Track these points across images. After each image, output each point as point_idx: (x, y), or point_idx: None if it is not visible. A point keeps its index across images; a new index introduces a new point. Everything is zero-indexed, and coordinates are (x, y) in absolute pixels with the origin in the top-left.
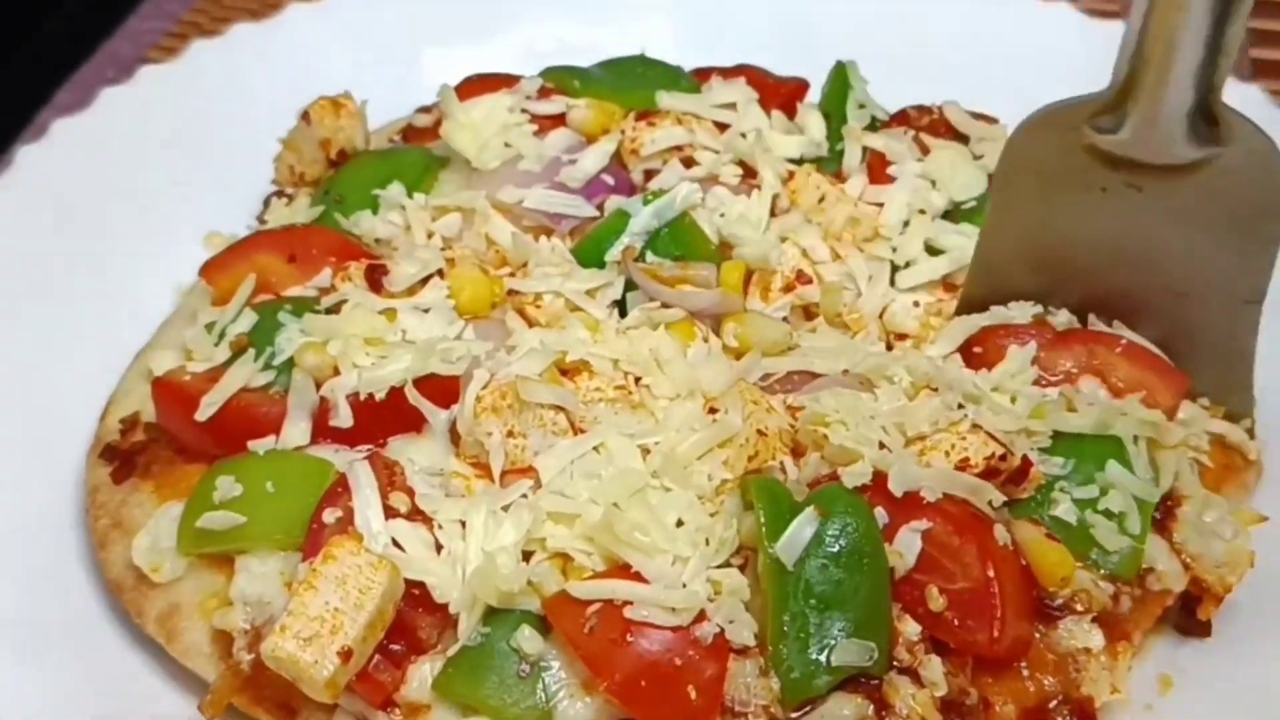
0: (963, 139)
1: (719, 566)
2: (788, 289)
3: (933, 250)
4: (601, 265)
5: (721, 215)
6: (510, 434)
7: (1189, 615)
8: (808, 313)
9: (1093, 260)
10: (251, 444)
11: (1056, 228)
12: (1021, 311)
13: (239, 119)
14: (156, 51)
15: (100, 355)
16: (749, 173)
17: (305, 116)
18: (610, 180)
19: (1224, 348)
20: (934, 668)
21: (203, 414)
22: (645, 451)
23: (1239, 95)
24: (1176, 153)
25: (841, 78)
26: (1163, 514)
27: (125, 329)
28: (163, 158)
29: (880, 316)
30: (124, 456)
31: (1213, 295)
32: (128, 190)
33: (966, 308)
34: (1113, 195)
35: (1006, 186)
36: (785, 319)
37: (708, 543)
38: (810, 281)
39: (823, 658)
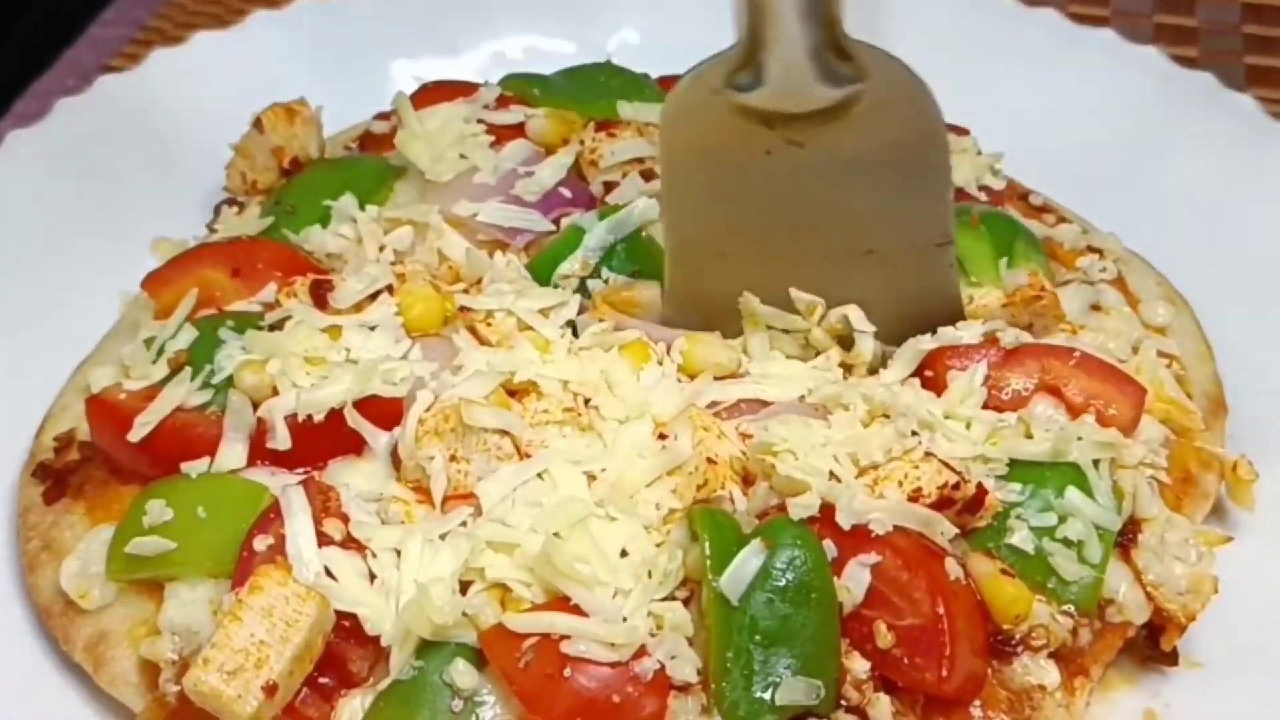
0: None
1: (662, 600)
2: None
3: None
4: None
5: None
6: (453, 458)
7: (1153, 645)
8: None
9: (776, 234)
10: (185, 466)
11: (733, 205)
12: (970, 332)
13: (198, 128)
14: (119, 59)
15: (47, 368)
16: None
17: (258, 123)
18: (568, 193)
19: (924, 296)
20: (882, 707)
21: (136, 434)
22: (591, 478)
23: (1230, 106)
24: (819, 95)
25: None
26: (1124, 540)
27: (72, 341)
28: (120, 168)
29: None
30: (56, 476)
31: (900, 245)
32: (82, 200)
33: (673, 307)
34: (778, 157)
35: (673, 172)
36: None
37: (650, 575)
38: None
39: (767, 696)
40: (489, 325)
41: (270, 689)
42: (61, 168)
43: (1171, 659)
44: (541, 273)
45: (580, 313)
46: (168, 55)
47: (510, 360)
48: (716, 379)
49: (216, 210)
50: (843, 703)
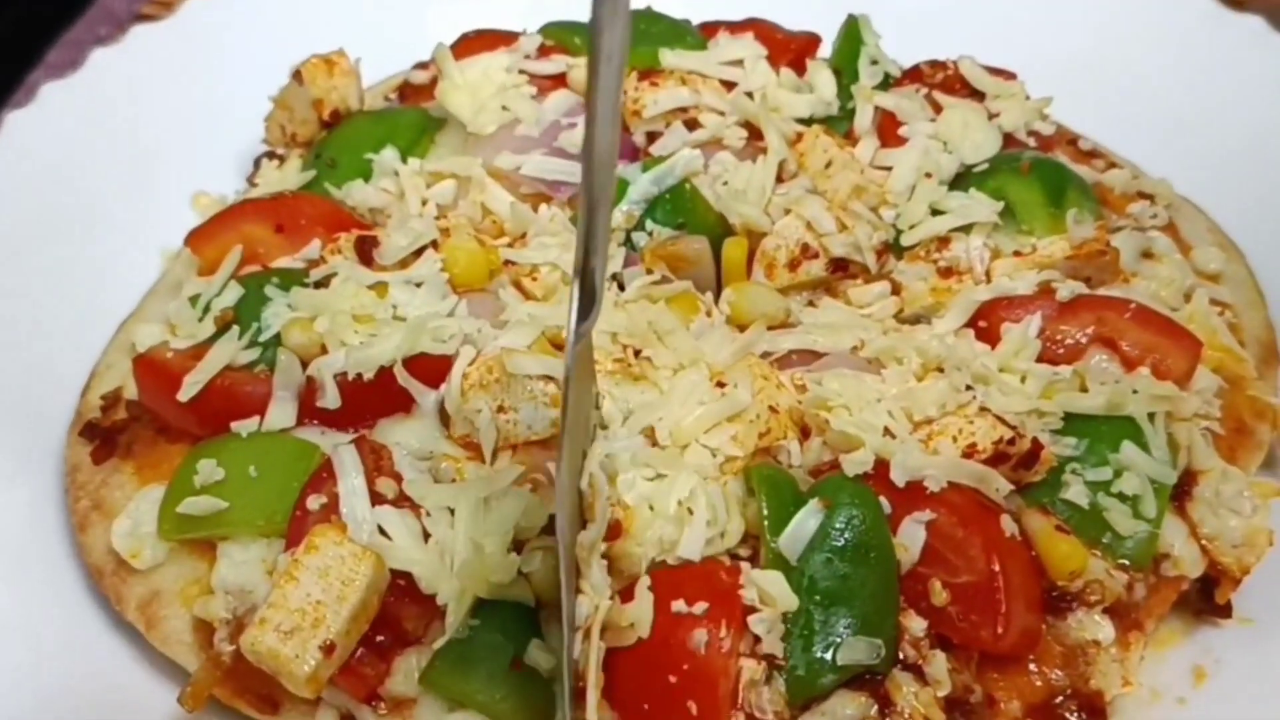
0: (978, 96)
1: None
2: (793, 265)
3: (937, 214)
4: None
5: (725, 184)
6: (500, 409)
7: (1206, 598)
8: (829, 289)
9: None
10: (235, 425)
11: None
12: (1024, 282)
13: (235, 77)
14: (150, 6)
15: (88, 325)
16: (755, 134)
17: (297, 75)
18: None
19: None
20: (938, 664)
21: (185, 394)
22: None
23: (1238, 26)
24: None
25: (853, 32)
26: (1179, 492)
27: (113, 297)
28: (155, 119)
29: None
30: (104, 435)
31: None
32: (118, 153)
33: None
34: None
35: None
36: (811, 303)
37: (723, 536)
38: (816, 256)
39: (828, 656)
40: (534, 280)
41: (328, 648)
42: (97, 119)
43: (1225, 612)
44: None
45: (626, 265)
46: (203, 2)
47: (556, 313)
48: (769, 329)
49: (256, 163)
50: (900, 660)
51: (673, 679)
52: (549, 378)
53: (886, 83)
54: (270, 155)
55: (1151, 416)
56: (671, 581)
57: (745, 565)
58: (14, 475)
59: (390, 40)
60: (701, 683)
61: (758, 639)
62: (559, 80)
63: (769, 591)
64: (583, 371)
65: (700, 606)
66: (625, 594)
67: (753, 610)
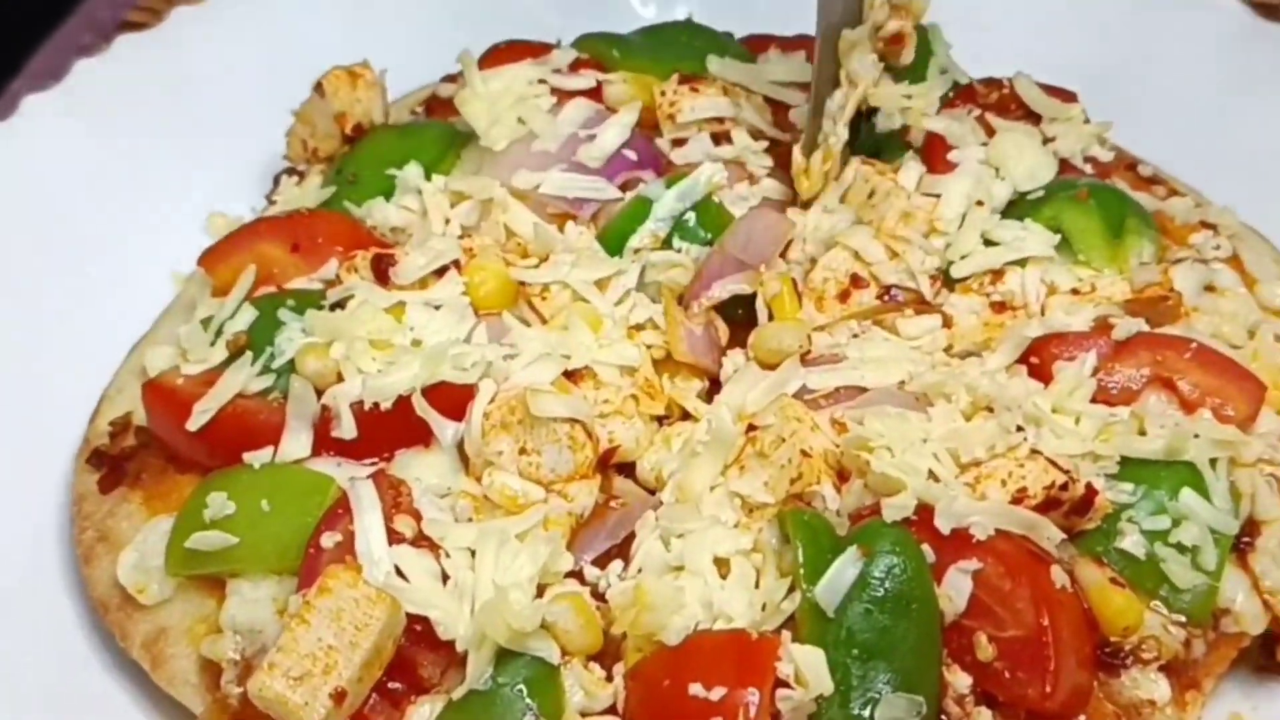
0: (1034, 117)
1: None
2: (843, 297)
3: (990, 244)
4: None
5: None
6: (523, 451)
7: (1268, 655)
8: (878, 321)
9: None
10: (247, 456)
11: None
12: (1079, 318)
13: (232, 89)
14: (137, 14)
15: (97, 348)
16: (781, 163)
17: (319, 88)
18: (633, 155)
19: None
20: None
21: (195, 423)
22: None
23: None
24: None
25: (922, 42)
26: (1240, 543)
27: (124, 320)
28: (150, 132)
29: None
30: (112, 463)
31: None
32: (112, 169)
33: None
34: None
35: None
36: (855, 336)
37: (764, 608)
38: (866, 285)
39: (866, 713)
40: (544, 299)
41: (339, 696)
42: (85, 134)
43: None
44: (611, 247)
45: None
46: (190, 12)
47: (565, 343)
48: (805, 364)
49: (276, 180)
50: (943, 717)
51: None
52: (574, 420)
53: (947, 96)
54: (291, 171)
55: (1213, 462)
56: (699, 653)
57: (786, 635)
58: (18, 505)
59: (396, 49)
60: None
61: None
62: (590, 95)
63: (805, 671)
64: None
65: (720, 691)
66: None
67: (785, 685)
